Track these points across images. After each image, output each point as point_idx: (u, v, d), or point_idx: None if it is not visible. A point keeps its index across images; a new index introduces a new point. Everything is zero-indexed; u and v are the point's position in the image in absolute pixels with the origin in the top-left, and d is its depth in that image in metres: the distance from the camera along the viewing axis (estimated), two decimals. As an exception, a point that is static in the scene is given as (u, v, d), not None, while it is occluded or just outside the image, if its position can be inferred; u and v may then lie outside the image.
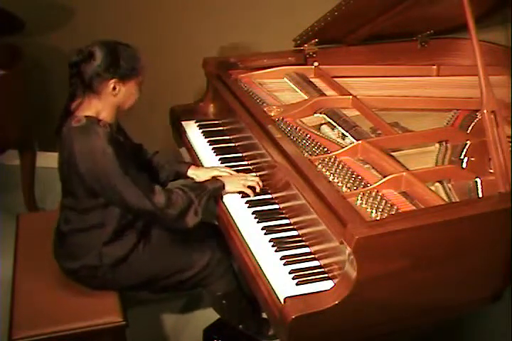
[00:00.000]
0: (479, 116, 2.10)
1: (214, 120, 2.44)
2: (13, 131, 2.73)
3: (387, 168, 1.81)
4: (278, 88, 2.38)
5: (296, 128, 2.07)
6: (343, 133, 2.05)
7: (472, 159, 1.89)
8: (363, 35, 2.47)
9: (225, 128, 2.37)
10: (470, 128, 2.07)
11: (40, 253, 2.10)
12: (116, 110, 1.90)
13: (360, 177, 1.80)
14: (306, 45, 2.45)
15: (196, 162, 2.23)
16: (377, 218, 1.63)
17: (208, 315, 2.38)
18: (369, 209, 1.67)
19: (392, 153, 1.92)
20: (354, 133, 2.02)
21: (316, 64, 2.47)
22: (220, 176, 2.05)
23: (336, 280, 1.57)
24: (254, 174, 2.06)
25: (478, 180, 1.77)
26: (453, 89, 2.37)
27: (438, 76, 2.49)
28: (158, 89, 3.05)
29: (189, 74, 2.97)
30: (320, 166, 1.84)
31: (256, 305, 2.22)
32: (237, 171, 2.09)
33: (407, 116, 2.17)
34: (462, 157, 1.91)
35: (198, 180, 2.10)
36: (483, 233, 1.59)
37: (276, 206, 1.93)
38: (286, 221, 1.85)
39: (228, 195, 1.99)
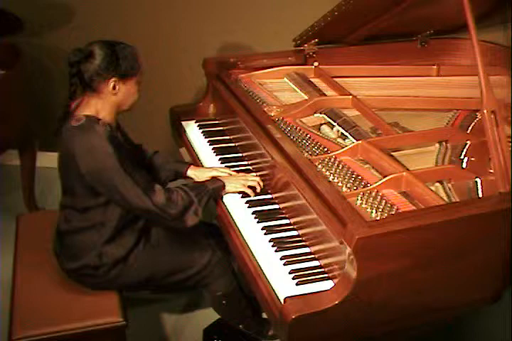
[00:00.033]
0: (479, 116, 2.10)
1: (214, 120, 2.44)
2: (13, 131, 2.72)
3: (387, 168, 1.81)
4: (278, 88, 2.38)
5: (296, 128, 2.07)
6: (343, 133, 2.05)
7: (472, 159, 1.89)
8: (363, 35, 2.47)
9: (225, 128, 2.37)
10: (470, 128, 2.07)
11: (40, 254, 2.10)
12: (116, 110, 1.90)
13: (360, 177, 1.80)
14: (306, 45, 2.45)
15: (196, 162, 2.23)
16: (377, 218, 1.63)
17: (208, 315, 2.38)
18: (369, 209, 1.67)
19: (392, 153, 1.92)
20: (354, 133, 2.02)
21: (316, 64, 2.47)
22: (219, 176, 2.05)
23: (335, 280, 1.57)
24: (254, 174, 2.06)
25: (478, 180, 1.78)
26: (453, 89, 2.37)
27: (438, 76, 2.50)
28: (158, 89, 3.06)
29: (189, 74, 2.98)
30: (320, 166, 1.84)
31: (256, 305, 2.22)
32: (237, 171, 2.09)
33: (407, 116, 2.17)
34: (462, 157, 1.91)
35: (197, 180, 2.10)
36: (483, 233, 1.59)
37: (276, 206, 1.93)
38: (286, 221, 1.85)
39: (228, 194, 1.99)
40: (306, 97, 2.28)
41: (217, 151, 2.24)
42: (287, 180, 1.81)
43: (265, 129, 1.98)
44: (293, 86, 2.39)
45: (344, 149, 1.91)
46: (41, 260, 2.08)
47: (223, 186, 1.97)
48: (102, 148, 1.80)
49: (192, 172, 2.14)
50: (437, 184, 1.79)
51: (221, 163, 2.17)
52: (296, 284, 1.60)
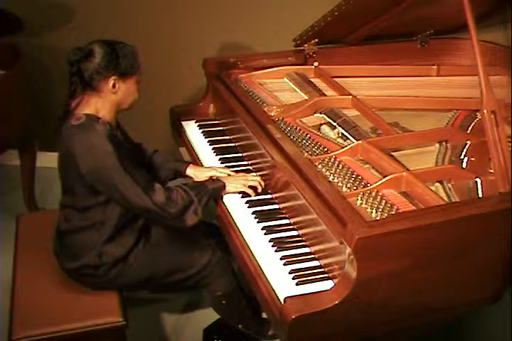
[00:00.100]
0: (479, 116, 2.10)
1: (214, 120, 2.44)
2: (13, 131, 2.72)
3: (387, 168, 1.81)
4: (278, 88, 2.38)
5: (296, 128, 2.07)
6: (343, 133, 2.05)
7: (472, 159, 1.89)
8: (363, 35, 2.47)
9: (225, 128, 2.37)
10: (470, 128, 2.07)
11: (40, 253, 2.10)
12: (116, 109, 1.90)
13: (360, 177, 1.80)
14: (306, 45, 2.45)
15: (196, 162, 2.23)
16: (377, 218, 1.63)
17: (208, 315, 2.38)
18: (369, 209, 1.67)
19: (392, 153, 1.92)
20: (354, 133, 2.02)
21: (316, 64, 2.47)
22: (219, 177, 2.05)
23: (335, 280, 1.57)
24: (254, 174, 2.06)
25: (478, 180, 1.78)
26: (453, 89, 2.37)
27: (438, 76, 2.50)
28: (158, 89, 3.06)
29: (189, 74, 2.98)
30: (320, 166, 1.84)
31: (256, 305, 2.22)
32: (237, 171, 2.09)
33: (407, 116, 2.17)
34: (462, 157, 1.91)
35: (195, 179, 2.11)
36: (483, 233, 1.59)
37: (276, 206, 1.93)
38: (286, 221, 1.85)
39: (228, 194, 1.99)
40: (306, 97, 2.28)
41: (217, 151, 2.24)
42: (287, 180, 1.81)
43: (265, 129, 1.98)
44: (293, 86, 2.39)
45: (344, 149, 1.91)
46: (41, 260, 2.08)
47: (223, 186, 1.97)
48: (101, 146, 1.80)
49: (191, 172, 2.14)
50: (437, 184, 1.79)
51: (221, 163, 2.17)
52: (296, 284, 1.60)
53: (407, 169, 1.80)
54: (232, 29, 2.93)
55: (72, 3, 2.99)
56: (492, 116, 1.65)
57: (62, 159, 1.91)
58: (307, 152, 1.93)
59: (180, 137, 2.42)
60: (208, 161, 2.21)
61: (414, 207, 1.68)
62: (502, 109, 1.70)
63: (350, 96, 2.22)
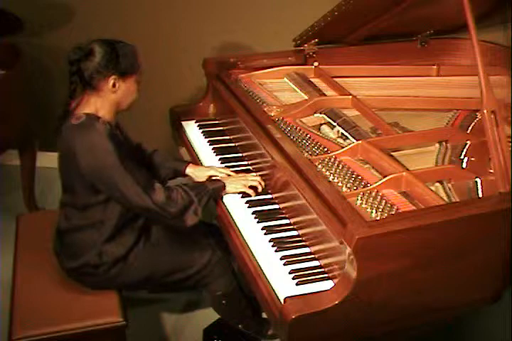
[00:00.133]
0: (479, 116, 2.10)
1: (214, 120, 2.44)
2: (13, 131, 2.72)
3: (387, 168, 1.81)
4: (278, 88, 2.38)
5: (296, 128, 2.07)
6: (343, 133, 2.05)
7: (472, 159, 1.89)
8: (363, 35, 2.47)
9: (225, 128, 2.37)
10: (470, 128, 2.07)
11: (40, 253, 2.10)
12: (115, 108, 1.90)
13: (360, 177, 1.80)
14: (306, 45, 2.45)
15: (196, 162, 2.23)
16: (377, 218, 1.63)
17: (208, 315, 2.38)
18: (369, 209, 1.67)
19: (392, 153, 1.92)
20: (354, 133, 2.02)
21: (316, 64, 2.47)
22: (217, 176, 2.06)
23: (335, 280, 1.57)
24: (254, 174, 2.06)
25: (478, 180, 1.78)
26: (453, 89, 2.37)
27: (438, 76, 2.50)
28: (158, 89, 3.06)
29: (189, 74, 2.98)
30: (320, 166, 1.84)
31: (256, 305, 2.22)
32: (237, 171, 2.09)
33: (407, 116, 2.17)
34: (462, 157, 1.91)
35: (194, 178, 2.11)
36: (483, 233, 1.59)
37: (276, 206, 1.93)
38: (286, 221, 1.85)
39: (228, 194, 1.99)
40: (306, 97, 2.28)
41: (217, 151, 2.24)
42: (287, 180, 1.81)
43: (265, 129, 1.98)
44: (293, 86, 2.39)
45: (344, 149, 1.91)
46: (41, 260, 2.08)
47: (223, 187, 1.97)
48: (102, 145, 1.80)
49: (190, 171, 2.14)
50: (437, 184, 1.79)
51: (221, 163, 2.17)
52: (296, 284, 1.60)
53: (407, 169, 1.80)
54: (232, 29, 2.93)
55: (72, 3, 2.99)
56: (492, 116, 1.65)
57: (63, 158, 1.91)
58: (307, 152, 1.93)
59: (180, 137, 2.42)
60: (208, 161, 2.21)
61: (414, 207, 1.68)
62: (502, 109, 1.71)
63: (350, 96, 2.22)
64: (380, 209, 1.66)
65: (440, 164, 1.88)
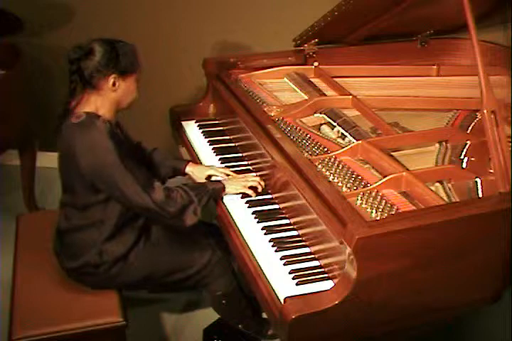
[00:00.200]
0: (479, 116, 2.10)
1: (214, 120, 2.44)
2: (13, 131, 2.72)
3: (387, 168, 1.81)
4: (278, 88, 2.38)
5: (296, 128, 2.07)
6: (343, 133, 2.05)
7: (472, 159, 1.89)
8: (363, 35, 2.47)
9: (225, 128, 2.37)
10: (470, 128, 2.07)
11: (40, 253, 2.10)
12: (115, 107, 1.91)
13: (360, 177, 1.80)
14: (306, 45, 2.45)
15: (196, 162, 2.23)
16: (377, 218, 1.63)
17: (208, 315, 2.38)
18: (369, 209, 1.67)
19: (392, 153, 1.92)
20: (354, 133, 2.02)
21: (316, 64, 2.47)
22: (217, 175, 2.06)
23: (335, 280, 1.57)
24: (254, 174, 2.06)
25: (478, 180, 1.78)
26: (453, 89, 2.37)
27: (438, 76, 2.50)
28: (158, 89, 3.06)
29: (189, 74, 2.98)
30: (320, 166, 1.84)
31: (256, 305, 2.22)
32: (237, 171, 2.09)
33: (407, 116, 2.17)
34: (462, 157, 1.91)
35: (193, 177, 2.11)
36: (483, 233, 1.59)
37: (276, 206, 1.93)
38: (286, 221, 1.85)
39: (228, 194, 1.99)
40: (306, 97, 2.28)
41: (217, 151, 2.24)
42: (287, 180, 1.81)
43: (265, 129, 1.98)
44: (293, 86, 2.39)
45: (344, 149, 1.91)
46: (41, 260, 2.08)
47: (223, 188, 1.97)
48: (102, 144, 1.80)
49: (190, 170, 2.14)
50: (437, 184, 1.79)
51: (221, 163, 2.17)
52: (296, 284, 1.60)
53: (407, 169, 1.80)
54: (232, 29, 2.93)
55: (72, 3, 2.99)
56: (492, 116, 1.65)
57: (63, 157, 1.91)
58: (307, 152, 1.93)
59: (180, 137, 2.42)
60: (208, 161, 2.21)
61: (414, 207, 1.68)
62: (502, 109, 1.71)
63: (350, 96, 2.22)
64: (380, 209, 1.66)
65: (440, 164, 1.88)
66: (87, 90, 1.87)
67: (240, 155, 2.21)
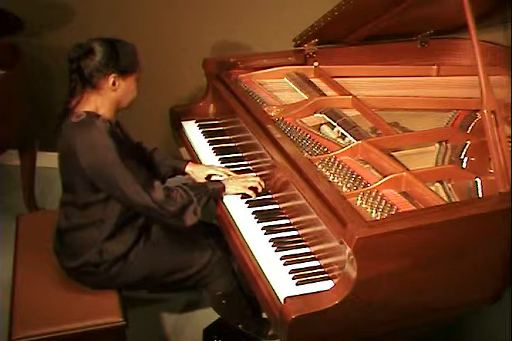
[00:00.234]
0: (479, 116, 2.10)
1: (214, 120, 2.44)
2: (13, 131, 2.72)
3: (387, 168, 1.81)
4: (278, 88, 2.38)
5: (296, 128, 2.07)
6: (343, 133, 2.05)
7: (472, 159, 1.89)
8: (363, 35, 2.47)
9: (225, 128, 2.37)
10: (470, 128, 2.07)
11: (40, 253, 2.10)
12: (115, 107, 1.91)
13: (360, 177, 1.80)
14: (306, 45, 2.45)
15: (196, 162, 2.23)
16: (377, 218, 1.63)
17: (208, 315, 2.38)
18: (369, 209, 1.67)
19: (392, 153, 1.92)
20: (354, 133, 2.02)
21: (316, 64, 2.47)
22: (216, 175, 2.06)
23: (335, 280, 1.57)
24: (254, 174, 2.06)
25: (478, 180, 1.78)
26: (453, 89, 2.37)
27: (438, 76, 2.50)
28: (158, 89, 3.05)
29: (189, 74, 2.98)
30: (320, 166, 1.84)
31: (256, 305, 2.22)
32: (237, 171, 2.09)
33: (407, 116, 2.17)
34: (462, 157, 1.91)
35: (193, 176, 2.12)
36: (483, 233, 1.59)
37: (276, 206, 1.93)
38: (286, 221, 1.85)
39: (228, 194, 1.99)
40: (306, 97, 2.28)
41: (217, 151, 2.24)
42: (287, 180, 1.81)
43: (265, 129, 1.98)
44: (293, 86, 2.39)
45: (344, 149, 1.91)
46: (41, 260, 2.08)
47: (223, 188, 1.97)
48: (102, 142, 1.80)
49: (190, 169, 2.14)
50: (437, 184, 1.79)
51: (221, 163, 2.17)
52: (296, 284, 1.60)
53: (407, 169, 1.80)
54: (232, 29, 2.93)
55: (72, 3, 2.99)
56: (492, 116, 1.65)
57: (63, 157, 1.91)
58: (307, 152, 1.93)
59: (180, 137, 2.42)
60: (208, 161, 2.21)
61: (414, 207, 1.68)
62: (502, 109, 1.70)
63: (350, 96, 2.22)
64: (380, 209, 1.66)
65: (440, 164, 1.88)
66: (87, 89, 1.87)
67: (240, 155, 2.21)
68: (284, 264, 1.67)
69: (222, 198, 1.99)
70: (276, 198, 1.94)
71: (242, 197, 1.97)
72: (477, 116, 2.12)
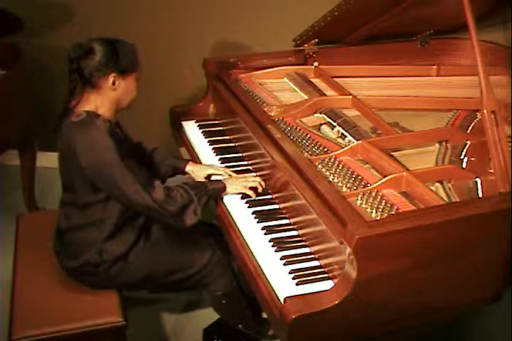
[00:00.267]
0: (479, 116, 2.10)
1: (214, 120, 2.44)
2: (13, 131, 2.72)
3: (387, 168, 1.81)
4: (278, 88, 2.38)
5: (296, 128, 2.07)
6: (343, 133, 2.05)
7: (472, 159, 1.89)
8: (363, 35, 2.47)
9: (225, 128, 2.37)
10: (470, 128, 2.07)
11: (40, 253, 2.10)
12: (115, 106, 1.91)
13: (360, 177, 1.80)
14: (306, 45, 2.45)
15: (196, 162, 2.23)
16: (377, 218, 1.63)
17: (208, 315, 2.38)
18: (369, 209, 1.67)
19: (392, 153, 1.92)
20: (354, 133, 2.02)
21: (316, 64, 2.47)
22: (217, 174, 2.05)
23: (335, 280, 1.57)
24: (254, 174, 2.06)
25: (478, 180, 1.78)
26: (453, 89, 2.37)
27: (438, 76, 2.50)
28: (158, 89, 3.06)
29: (189, 74, 2.98)
30: (320, 166, 1.84)
31: (256, 305, 2.22)
32: (237, 171, 2.09)
33: (407, 116, 2.17)
34: (462, 157, 1.91)
35: (193, 176, 2.12)
36: (483, 233, 1.59)
37: (276, 206, 1.93)
38: (286, 221, 1.85)
39: (228, 194, 1.99)
40: (306, 97, 2.28)
41: (217, 151, 2.24)
42: (287, 180, 1.81)
43: (265, 129, 1.98)
44: (293, 86, 2.39)
45: (344, 149, 1.91)
46: (41, 260, 2.08)
47: (224, 188, 1.97)
48: (102, 142, 1.80)
49: (190, 169, 2.15)
50: (437, 184, 1.79)
51: (221, 163, 2.17)
52: (296, 284, 1.60)
53: (407, 169, 1.80)
54: (232, 29, 2.93)
55: (72, 3, 2.99)
56: (492, 116, 1.65)
57: (63, 156, 1.92)
58: (307, 152, 1.93)
59: (180, 137, 2.42)
60: (208, 161, 2.21)
61: (414, 207, 1.68)
62: (502, 109, 1.70)
63: (350, 96, 2.22)
64: (380, 209, 1.66)
65: (440, 164, 1.88)
66: (87, 89, 1.87)
67: (240, 155, 2.21)
68: (284, 264, 1.67)
69: (222, 198, 1.99)
70: (276, 198, 1.94)
71: (242, 197, 1.97)
72: (477, 116, 2.12)
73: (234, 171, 2.09)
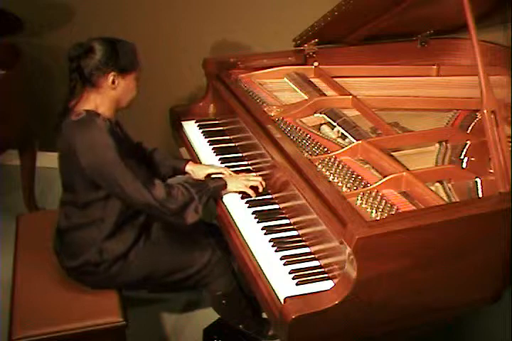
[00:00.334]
0: (479, 116, 2.10)
1: (214, 120, 2.44)
2: (13, 131, 2.72)
3: (387, 168, 1.81)
4: (278, 88, 2.38)
5: (296, 128, 2.07)
6: (343, 133, 2.05)
7: (472, 159, 1.89)
8: (363, 35, 2.47)
9: (225, 128, 2.37)
10: (470, 128, 2.07)
11: (40, 253, 2.10)
12: (115, 106, 1.91)
13: (360, 177, 1.80)
14: (306, 45, 2.45)
15: (196, 162, 2.23)
16: (377, 218, 1.63)
17: (208, 315, 2.38)
18: (369, 209, 1.67)
19: (392, 153, 1.92)
20: (354, 133, 2.02)
21: (316, 64, 2.47)
22: (216, 174, 2.06)
23: (335, 280, 1.57)
24: (254, 174, 2.06)
25: (478, 180, 1.78)
26: (453, 89, 2.37)
27: (438, 76, 2.50)
28: (158, 89, 3.06)
29: (189, 74, 2.98)
30: (320, 166, 1.84)
31: (256, 305, 2.22)
32: (237, 171, 2.09)
33: (407, 116, 2.17)
34: (462, 157, 1.91)
35: (194, 176, 2.12)
36: (483, 233, 1.59)
37: (276, 206, 1.93)
38: (286, 221, 1.85)
39: (228, 194, 1.99)
40: (306, 97, 2.28)
41: (217, 151, 2.24)
42: (287, 180, 1.81)
43: (265, 129, 1.98)
44: (293, 86, 2.39)
45: (344, 149, 1.91)
46: (41, 260, 2.08)
47: (225, 185, 1.97)
48: (102, 141, 1.80)
49: (190, 169, 2.15)
50: (437, 184, 1.79)
51: (221, 163, 2.17)
52: (296, 284, 1.60)
53: (407, 169, 1.80)
54: (232, 29, 2.93)
55: (72, 3, 2.99)
56: (492, 116, 1.65)
57: (63, 155, 1.92)
58: (307, 152, 1.93)
59: (180, 137, 2.42)
60: (208, 161, 2.21)
61: (414, 207, 1.68)
62: (502, 109, 1.70)
63: (350, 96, 2.22)
64: (380, 209, 1.66)
65: (440, 164, 1.88)
66: (87, 88, 1.87)
67: (240, 155, 2.21)
68: (284, 264, 1.67)
69: (222, 198, 1.99)
70: (276, 198, 1.94)
71: (242, 197, 1.97)
72: (477, 116, 2.12)
73: (234, 171, 2.09)
